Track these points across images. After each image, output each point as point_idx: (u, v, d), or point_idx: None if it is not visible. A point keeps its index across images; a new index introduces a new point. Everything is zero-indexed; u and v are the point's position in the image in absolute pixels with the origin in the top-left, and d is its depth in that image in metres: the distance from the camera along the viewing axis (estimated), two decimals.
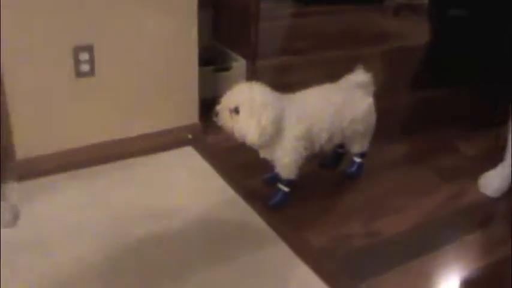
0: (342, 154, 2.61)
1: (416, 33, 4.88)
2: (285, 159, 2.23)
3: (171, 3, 2.52)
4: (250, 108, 2.08)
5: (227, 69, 3.19)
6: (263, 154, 2.27)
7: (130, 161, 2.57)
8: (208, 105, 2.70)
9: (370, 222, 2.30)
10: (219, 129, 2.18)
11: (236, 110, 2.09)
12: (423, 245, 2.19)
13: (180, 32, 2.60)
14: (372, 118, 2.44)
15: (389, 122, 3.04)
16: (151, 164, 2.58)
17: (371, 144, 2.53)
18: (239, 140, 2.15)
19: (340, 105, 2.30)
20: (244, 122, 2.08)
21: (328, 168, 2.64)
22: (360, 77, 2.39)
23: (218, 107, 2.14)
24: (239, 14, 3.50)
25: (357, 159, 2.55)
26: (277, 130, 2.12)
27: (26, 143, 2.39)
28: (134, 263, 1.98)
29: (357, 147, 2.49)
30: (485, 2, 3.97)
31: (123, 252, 2.03)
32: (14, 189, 2.27)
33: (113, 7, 2.39)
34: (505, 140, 2.53)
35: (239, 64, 3.23)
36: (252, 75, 3.31)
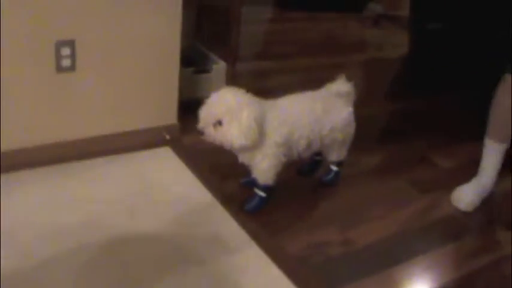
0: (319, 161, 2.62)
1: (395, 44, 4.92)
2: (263, 165, 2.23)
3: (156, 2, 2.51)
4: (230, 115, 2.09)
5: (207, 71, 3.18)
6: (242, 158, 2.27)
7: (107, 158, 2.55)
8: (186, 106, 2.71)
9: (345, 230, 2.31)
10: (196, 130, 2.17)
11: (219, 123, 2.10)
12: (396, 255, 2.21)
13: (164, 32, 2.59)
14: (351, 127, 2.46)
15: (366, 131, 3.05)
16: (128, 163, 2.56)
17: (348, 153, 2.54)
18: (229, 148, 2.17)
19: (321, 113, 2.31)
20: (228, 130, 2.09)
21: (306, 175, 2.64)
22: (341, 86, 2.41)
23: (201, 125, 2.14)
24: (221, 16, 3.50)
25: (334, 168, 2.57)
26: (259, 132, 2.12)
27: (4, 136, 2.36)
28: (107, 261, 1.97)
29: (335, 155, 2.50)
30: (463, 16, 4.01)
31: (96, 251, 2.01)
32: None
33: (97, 2, 2.36)
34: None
35: (219, 67, 3.21)
36: (232, 79, 3.31)
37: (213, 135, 2.12)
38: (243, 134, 2.08)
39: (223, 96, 2.16)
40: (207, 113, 2.13)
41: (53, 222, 2.12)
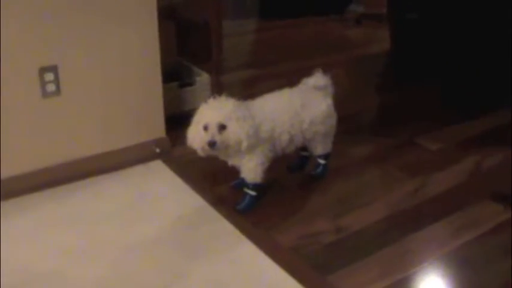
0: (306, 157, 2.67)
1: (378, 40, 4.97)
2: (251, 164, 2.29)
3: (132, 21, 2.58)
4: (233, 117, 2.15)
5: (191, 84, 3.24)
6: (231, 161, 2.33)
7: (102, 177, 2.62)
8: (175, 120, 2.78)
9: (337, 219, 2.36)
10: (185, 142, 2.25)
11: (223, 127, 2.14)
12: (390, 236, 2.25)
13: (142, 49, 2.66)
14: (332, 119, 2.50)
15: (354, 124, 3.13)
16: (122, 179, 2.63)
17: (336, 145, 2.60)
18: (231, 150, 2.20)
19: (299, 107, 2.36)
20: (235, 131, 2.15)
21: (295, 171, 2.70)
22: (318, 79, 2.46)
23: (212, 140, 2.13)
24: (201, 30, 3.57)
25: (321, 161, 2.61)
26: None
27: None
28: (116, 273, 2.04)
29: (320, 148, 2.55)
30: (440, 4, 4.04)
31: (103, 264, 2.08)
32: None
33: (75, 27, 2.43)
34: None
35: (203, 79, 3.28)
36: (217, 89, 3.37)
37: (219, 139, 2.14)
38: (249, 132, 2.16)
39: (215, 104, 2.22)
40: (206, 122, 2.17)
41: (58, 240, 2.20)
